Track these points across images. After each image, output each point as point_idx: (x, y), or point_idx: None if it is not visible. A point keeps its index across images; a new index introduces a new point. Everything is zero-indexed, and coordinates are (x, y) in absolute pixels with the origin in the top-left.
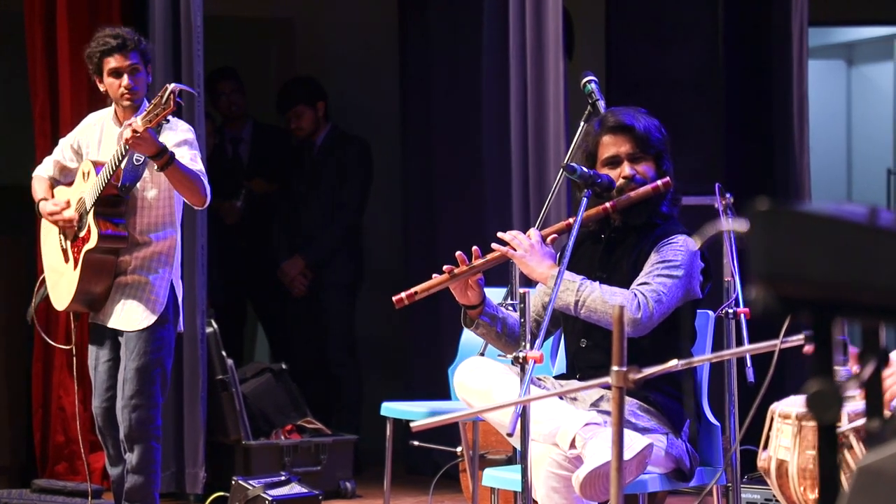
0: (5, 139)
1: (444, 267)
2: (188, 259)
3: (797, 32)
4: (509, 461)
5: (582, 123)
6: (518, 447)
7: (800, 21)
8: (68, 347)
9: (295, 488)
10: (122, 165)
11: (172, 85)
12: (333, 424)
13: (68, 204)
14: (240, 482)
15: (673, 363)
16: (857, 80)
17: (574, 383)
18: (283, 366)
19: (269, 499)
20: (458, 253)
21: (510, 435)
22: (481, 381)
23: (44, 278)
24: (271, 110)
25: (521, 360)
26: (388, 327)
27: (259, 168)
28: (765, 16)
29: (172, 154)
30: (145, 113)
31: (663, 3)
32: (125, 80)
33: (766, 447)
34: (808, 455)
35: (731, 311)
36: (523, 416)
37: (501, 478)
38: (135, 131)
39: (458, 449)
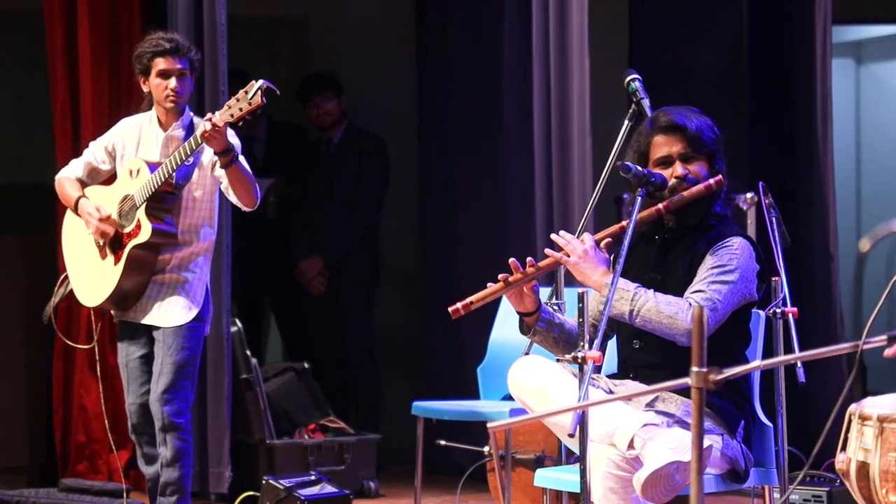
0: (25, 138)
1: (499, 276)
2: (213, 258)
3: (821, 30)
4: (538, 461)
5: (626, 122)
6: (566, 447)
7: (823, 18)
8: (89, 346)
9: (325, 488)
10: (184, 162)
11: (260, 81)
12: (352, 423)
13: (109, 218)
14: (270, 482)
15: (755, 364)
16: (867, 78)
17: (629, 383)
18: (306, 365)
19: (301, 498)
20: (511, 260)
21: (571, 436)
22: (536, 380)
23: (65, 276)
24: (284, 110)
25: (579, 360)
26: (406, 326)
27: (274, 166)
28: (788, 13)
29: (237, 153)
30: (226, 107)
31: (687, 1)
32: (172, 82)
33: (843, 449)
34: (891, 457)
35: (778, 310)
36: (583, 416)
37: (555, 478)
38: (215, 125)
39: (486, 449)
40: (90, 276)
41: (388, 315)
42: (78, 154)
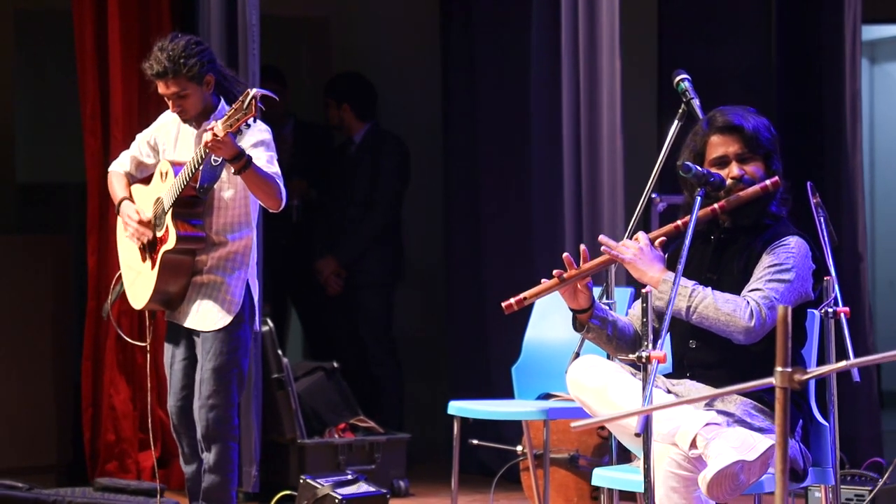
0: (52, 138)
1: (554, 272)
2: None
3: (850, 29)
4: (571, 460)
5: (676, 122)
6: (616, 446)
7: (853, 17)
8: (144, 344)
9: (362, 487)
10: (201, 167)
11: (254, 90)
12: (377, 423)
13: (149, 223)
14: (308, 481)
15: (842, 364)
16: (880, 77)
17: (686, 383)
18: (335, 364)
19: (339, 497)
20: (565, 255)
21: (638, 435)
22: (597, 380)
23: (120, 275)
24: (306, 110)
25: (644, 360)
26: (428, 326)
27: (300, 167)
28: (816, 12)
29: (250, 157)
30: (226, 117)
31: (716, 1)
32: (171, 104)
33: None
34: None
35: (830, 310)
36: (647, 416)
37: (615, 478)
38: (215, 135)
39: (518, 448)
40: (136, 278)
41: (410, 315)
42: (108, 154)
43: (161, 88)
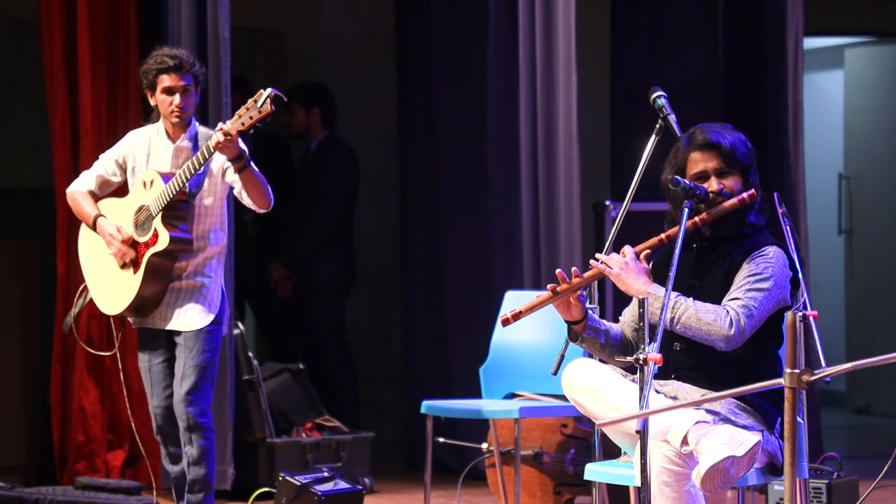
0: (21, 143)
1: (548, 286)
2: None
3: (792, 44)
4: (536, 457)
5: (654, 137)
6: (597, 443)
7: (795, 33)
8: (110, 353)
9: (339, 484)
10: (197, 171)
11: (268, 90)
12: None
13: (130, 240)
14: (287, 478)
15: (848, 365)
16: (807, 87)
17: (673, 383)
18: (301, 366)
19: (319, 494)
20: (558, 271)
21: (638, 432)
22: (592, 382)
23: (84, 287)
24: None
25: (641, 362)
26: (384, 328)
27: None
28: (760, 27)
29: (249, 158)
30: (236, 116)
31: (666, 16)
32: (177, 99)
33: None
34: None
35: (800, 314)
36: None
37: (609, 473)
38: (227, 134)
39: (484, 445)
40: (110, 286)
41: (364, 316)
42: (77, 162)
43: (171, 81)
